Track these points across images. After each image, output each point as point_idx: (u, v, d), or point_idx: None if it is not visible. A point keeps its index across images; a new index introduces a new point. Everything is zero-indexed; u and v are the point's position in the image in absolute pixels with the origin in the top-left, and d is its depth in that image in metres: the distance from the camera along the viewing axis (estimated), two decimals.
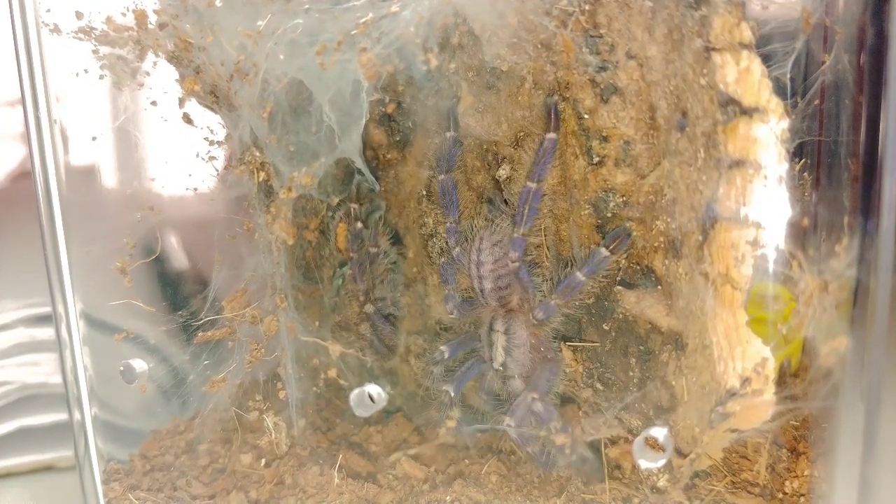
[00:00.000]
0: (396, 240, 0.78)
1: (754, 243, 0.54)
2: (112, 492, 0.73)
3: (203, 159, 0.70)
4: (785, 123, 0.52)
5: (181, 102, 0.66)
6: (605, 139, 0.63)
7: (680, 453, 0.63)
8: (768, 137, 0.52)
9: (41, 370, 0.93)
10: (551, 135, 0.64)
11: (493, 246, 0.68)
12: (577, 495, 0.67)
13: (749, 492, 0.64)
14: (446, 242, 0.71)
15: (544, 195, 0.66)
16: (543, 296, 0.67)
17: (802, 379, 0.65)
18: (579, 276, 0.64)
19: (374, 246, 0.76)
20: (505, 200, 0.69)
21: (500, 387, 0.71)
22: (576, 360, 0.69)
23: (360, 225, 0.76)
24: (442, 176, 0.69)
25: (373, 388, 0.79)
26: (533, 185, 0.64)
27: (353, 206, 0.76)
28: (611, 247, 0.63)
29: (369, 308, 0.77)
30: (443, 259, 0.72)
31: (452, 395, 0.71)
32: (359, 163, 0.67)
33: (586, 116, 0.63)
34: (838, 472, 0.58)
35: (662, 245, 0.63)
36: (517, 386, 0.70)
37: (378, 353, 0.79)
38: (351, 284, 0.78)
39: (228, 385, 0.72)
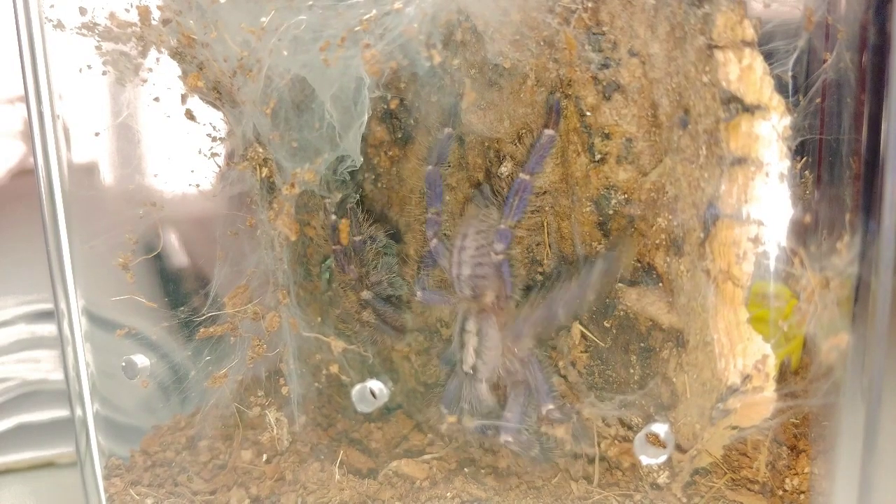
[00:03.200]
0: (397, 237, 0.78)
1: (756, 240, 0.54)
2: (113, 487, 0.73)
3: (205, 156, 0.70)
4: (787, 121, 0.52)
5: (184, 99, 0.66)
6: (607, 136, 0.63)
7: (680, 450, 0.63)
8: (770, 135, 0.52)
9: (41, 367, 0.93)
10: (549, 131, 0.64)
11: (478, 234, 0.67)
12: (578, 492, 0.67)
13: (749, 489, 0.64)
14: (423, 234, 0.70)
15: (540, 192, 0.66)
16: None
17: (803, 376, 0.65)
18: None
19: (357, 234, 0.76)
20: (495, 192, 0.68)
21: (468, 391, 0.69)
22: (580, 348, 0.69)
23: (333, 217, 0.75)
24: (430, 167, 0.69)
25: (374, 384, 0.79)
26: (526, 177, 0.64)
27: (326, 199, 0.75)
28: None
29: (366, 295, 0.75)
30: (427, 246, 0.71)
31: (444, 412, 0.70)
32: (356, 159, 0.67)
33: (588, 114, 0.63)
34: (838, 469, 0.58)
35: (664, 242, 0.63)
36: (484, 391, 0.69)
37: (388, 335, 0.77)
38: (340, 276, 0.77)
39: (230, 381, 0.72)
